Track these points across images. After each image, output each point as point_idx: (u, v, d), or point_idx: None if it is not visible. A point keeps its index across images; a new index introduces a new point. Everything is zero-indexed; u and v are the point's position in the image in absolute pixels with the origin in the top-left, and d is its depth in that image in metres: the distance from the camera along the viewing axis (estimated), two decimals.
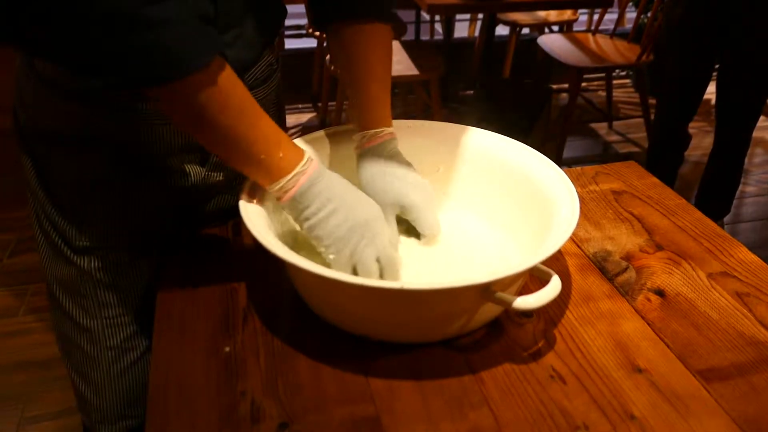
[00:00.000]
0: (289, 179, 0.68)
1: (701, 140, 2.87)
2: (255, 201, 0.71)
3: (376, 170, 0.79)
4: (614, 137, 2.99)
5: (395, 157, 0.81)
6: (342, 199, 0.69)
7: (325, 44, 2.89)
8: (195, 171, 0.83)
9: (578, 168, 1.06)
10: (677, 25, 2.06)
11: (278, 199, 0.70)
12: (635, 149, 2.89)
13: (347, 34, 0.81)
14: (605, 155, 2.86)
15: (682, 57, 2.09)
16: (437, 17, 3.69)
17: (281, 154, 0.67)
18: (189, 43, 0.59)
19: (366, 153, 0.80)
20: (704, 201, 2.27)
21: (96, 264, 0.83)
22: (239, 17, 0.77)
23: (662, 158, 2.29)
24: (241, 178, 0.76)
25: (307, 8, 0.89)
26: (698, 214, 0.95)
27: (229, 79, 0.63)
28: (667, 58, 2.16)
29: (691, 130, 2.32)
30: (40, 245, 0.88)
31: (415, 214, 0.80)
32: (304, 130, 3.03)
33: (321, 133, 0.86)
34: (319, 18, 0.84)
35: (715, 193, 2.24)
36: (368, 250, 0.69)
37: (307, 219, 0.69)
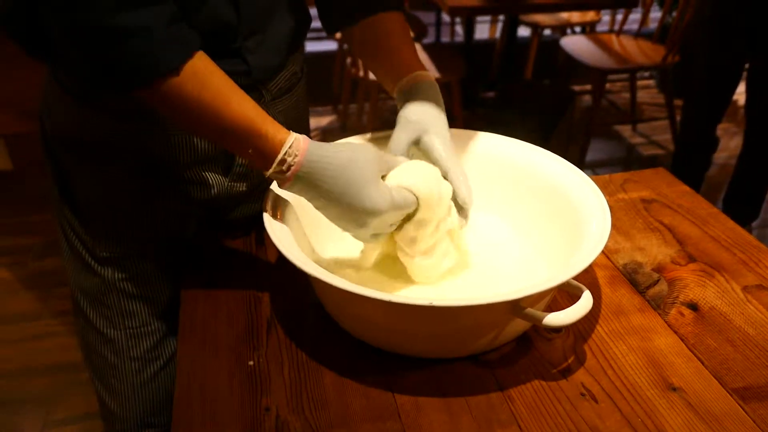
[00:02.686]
0: (287, 151, 0.64)
1: (728, 142, 2.81)
2: (278, 212, 0.71)
3: (416, 102, 0.76)
4: (638, 139, 2.95)
5: (437, 99, 0.77)
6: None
7: (345, 46, 2.89)
8: (218, 181, 0.83)
9: (606, 176, 1.04)
10: (706, 24, 2.02)
11: (287, 171, 0.65)
12: (660, 152, 2.84)
13: (360, 27, 0.82)
14: (629, 158, 2.82)
15: (711, 57, 2.04)
16: (457, 19, 3.67)
17: (268, 131, 0.65)
18: (158, 49, 0.60)
19: (409, 92, 0.77)
20: (732, 205, 2.22)
21: (120, 275, 0.83)
22: (262, 24, 0.76)
23: (689, 161, 2.25)
24: (264, 187, 0.76)
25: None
26: (731, 223, 0.92)
27: (202, 75, 0.63)
28: (695, 59, 2.12)
29: (717, 132, 2.27)
30: (65, 255, 0.88)
31: (437, 146, 0.74)
32: (325, 132, 3.03)
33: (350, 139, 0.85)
34: (329, 26, 0.86)
35: (743, 198, 2.19)
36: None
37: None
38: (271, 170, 0.65)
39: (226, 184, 0.84)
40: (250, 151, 0.65)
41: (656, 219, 0.92)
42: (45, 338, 1.87)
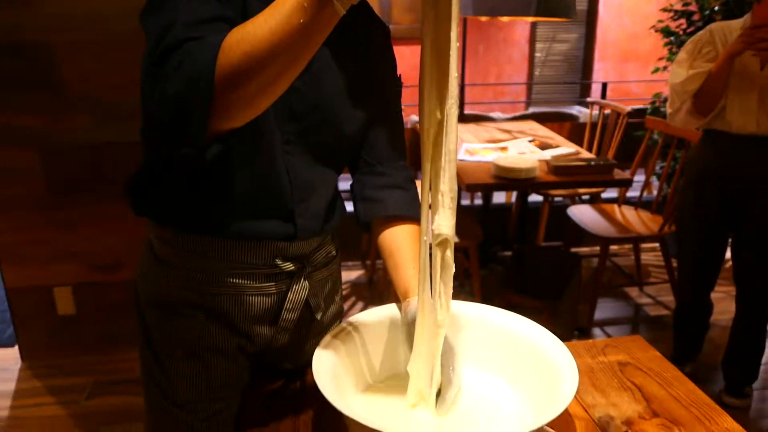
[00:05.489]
0: None
1: (730, 304, 2.98)
2: (327, 365, 0.93)
3: None
4: (645, 300, 3.15)
5: None
6: None
7: None
8: (263, 335, 1.07)
9: (590, 341, 1.26)
10: (690, 206, 2.30)
11: None
12: (666, 312, 3.03)
13: (384, 231, 1.10)
14: (637, 318, 3.01)
15: (697, 235, 2.30)
16: None
17: None
18: (194, 70, 0.71)
19: (410, 314, 1.00)
20: (730, 367, 2.36)
21: (193, 416, 1.05)
22: (308, 193, 1.04)
23: (688, 325, 2.44)
24: (304, 341, 1.02)
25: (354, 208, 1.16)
26: (691, 385, 1.11)
27: (234, 34, 0.71)
28: (683, 235, 2.38)
29: (718, 295, 2.47)
30: (146, 398, 1.11)
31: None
32: (353, 286, 3.29)
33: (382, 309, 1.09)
34: (362, 217, 1.13)
35: (740, 360, 2.34)
36: None
37: None
38: None
39: (270, 336, 1.07)
40: (306, 7, 0.67)
41: (629, 379, 1.13)
42: None
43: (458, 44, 0.75)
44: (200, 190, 0.97)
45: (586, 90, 6.84)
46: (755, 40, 1.84)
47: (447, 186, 0.81)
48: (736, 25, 2.06)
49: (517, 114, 4.40)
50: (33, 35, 2.28)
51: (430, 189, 0.82)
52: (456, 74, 0.76)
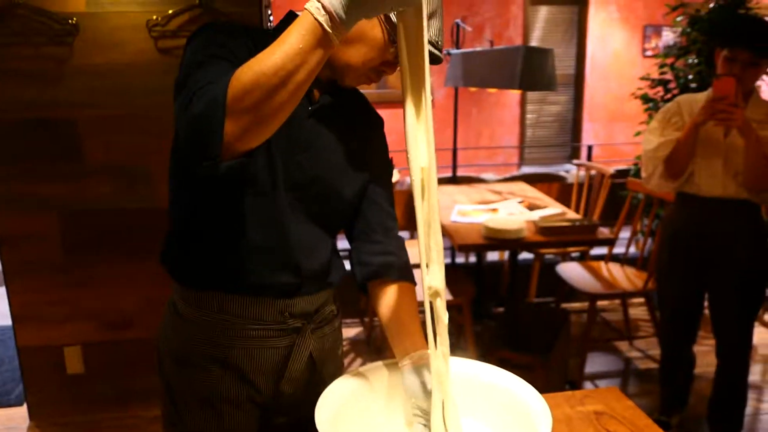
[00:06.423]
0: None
1: (713, 358, 3.08)
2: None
3: (418, 380, 1.09)
4: (634, 353, 3.25)
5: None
6: None
7: None
8: (269, 385, 1.18)
9: (570, 392, 1.38)
10: (667, 264, 2.44)
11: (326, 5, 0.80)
12: (654, 365, 3.12)
13: (381, 291, 1.21)
14: (626, 371, 3.10)
15: (674, 292, 2.43)
16: None
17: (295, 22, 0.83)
18: (212, 94, 0.85)
19: (412, 369, 1.11)
20: (716, 418, 2.43)
21: None
22: (311, 250, 1.16)
23: (672, 377, 2.53)
24: (309, 391, 1.12)
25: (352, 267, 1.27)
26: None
27: (245, 63, 0.84)
28: (661, 293, 2.50)
29: (703, 348, 2.56)
30: None
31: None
32: (352, 344, 3.39)
33: (377, 364, 1.21)
34: (360, 280, 1.25)
35: (725, 411, 2.42)
36: None
37: None
38: (324, 22, 0.80)
39: (276, 387, 1.18)
40: (305, 35, 0.81)
41: (604, 427, 1.24)
42: None
43: (431, 99, 0.95)
44: (221, 244, 1.12)
45: (576, 150, 7.07)
46: (715, 111, 2.03)
47: (433, 239, 0.93)
48: (701, 97, 2.25)
49: (508, 175, 4.59)
50: (59, 111, 2.46)
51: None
52: (431, 135, 0.91)
